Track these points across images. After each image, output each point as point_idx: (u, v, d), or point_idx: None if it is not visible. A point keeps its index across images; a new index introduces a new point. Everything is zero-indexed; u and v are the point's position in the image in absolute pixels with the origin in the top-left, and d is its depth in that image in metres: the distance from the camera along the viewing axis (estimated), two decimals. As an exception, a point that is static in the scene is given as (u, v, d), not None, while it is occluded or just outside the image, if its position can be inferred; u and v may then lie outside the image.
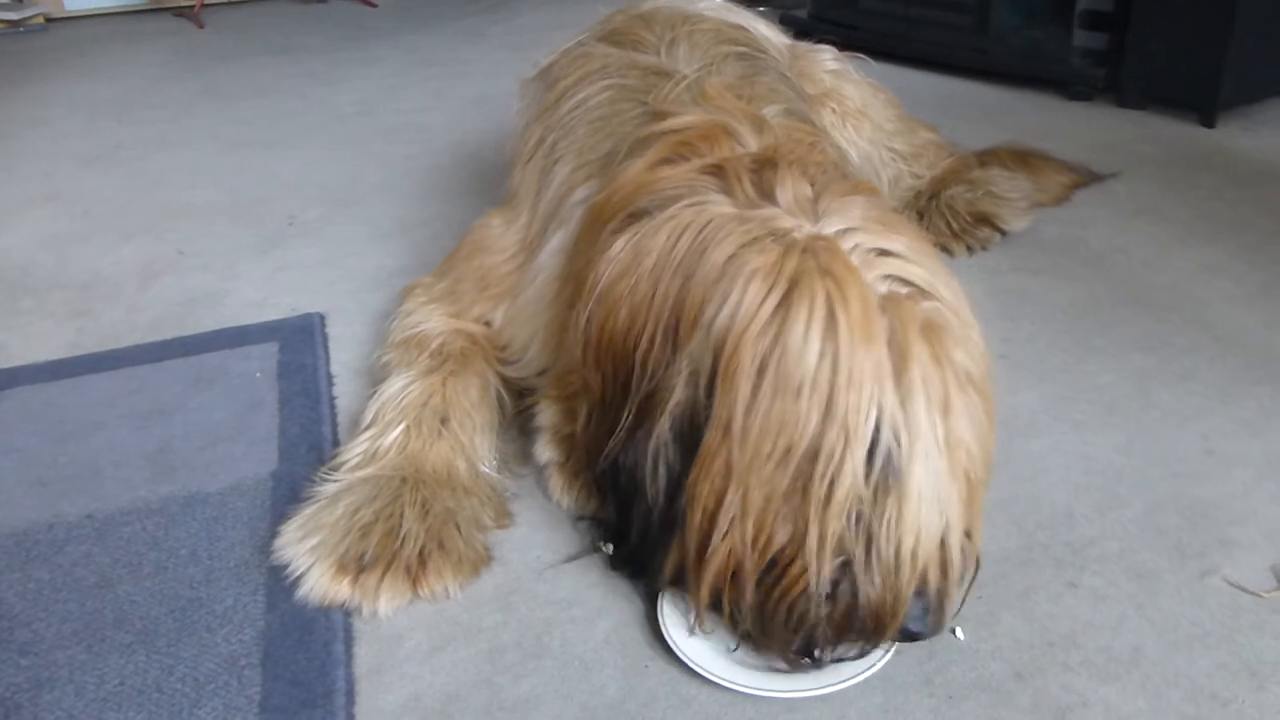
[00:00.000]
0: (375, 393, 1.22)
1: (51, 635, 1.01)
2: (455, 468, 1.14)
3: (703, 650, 0.93)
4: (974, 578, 0.92)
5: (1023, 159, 2.02)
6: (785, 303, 0.83)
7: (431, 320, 1.31)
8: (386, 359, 1.30)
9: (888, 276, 0.87)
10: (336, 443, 1.28)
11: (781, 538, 0.84)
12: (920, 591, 0.84)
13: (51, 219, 2.11)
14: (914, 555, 0.82)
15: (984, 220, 1.78)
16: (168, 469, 1.26)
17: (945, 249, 1.77)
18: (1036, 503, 1.15)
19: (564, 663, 0.95)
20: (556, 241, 1.20)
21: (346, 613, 1.01)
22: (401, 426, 1.15)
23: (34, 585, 1.07)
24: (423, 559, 1.02)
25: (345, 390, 1.41)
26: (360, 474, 1.11)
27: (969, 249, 1.76)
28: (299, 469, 1.23)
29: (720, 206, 0.92)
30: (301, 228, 2.01)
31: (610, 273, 0.94)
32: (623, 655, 0.96)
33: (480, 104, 2.79)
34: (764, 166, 0.95)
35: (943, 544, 0.84)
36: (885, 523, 0.82)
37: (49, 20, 4.14)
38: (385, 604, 1.00)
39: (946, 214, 1.78)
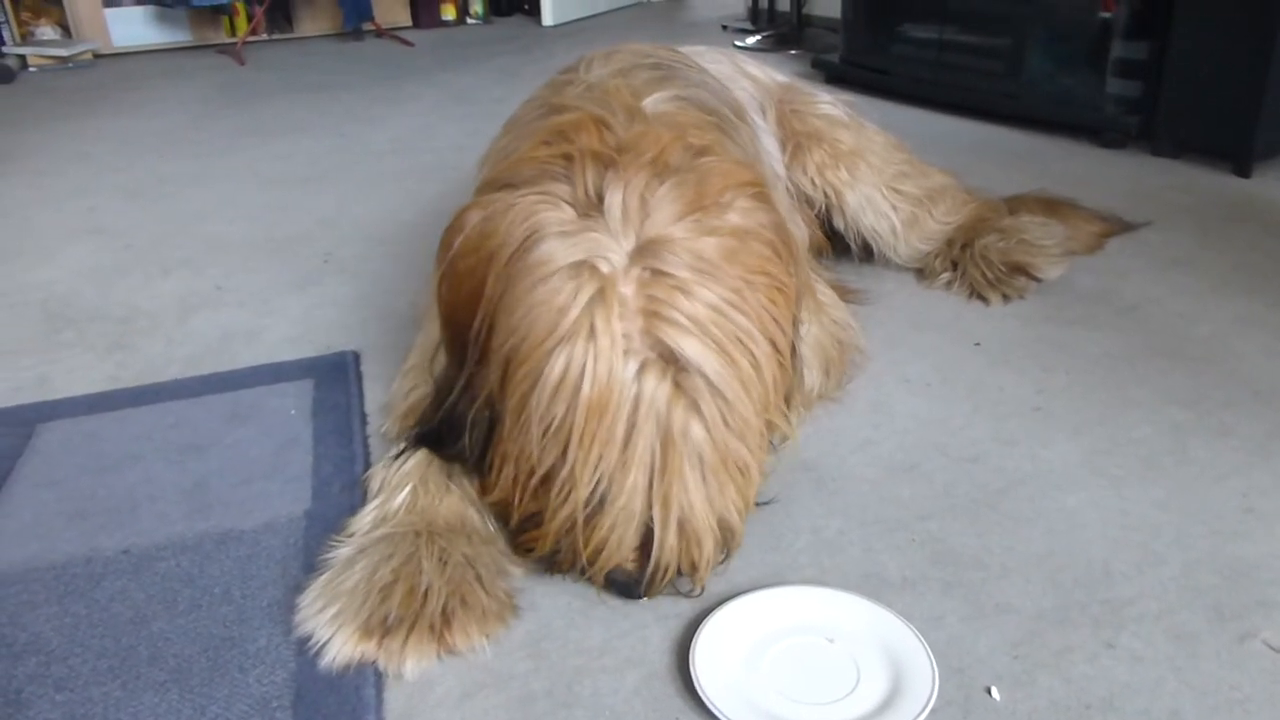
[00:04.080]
0: (381, 462, 1.21)
1: (87, 671, 1.02)
2: (469, 517, 1.13)
3: (735, 704, 0.92)
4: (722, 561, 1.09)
5: (1051, 208, 2.01)
6: (553, 352, 0.95)
7: (424, 386, 1.29)
8: (385, 430, 1.29)
9: (656, 342, 0.96)
10: (370, 482, 1.29)
11: (532, 508, 1.05)
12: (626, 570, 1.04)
13: (93, 252, 2.15)
14: (601, 566, 1.03)
15: (1019, 269, 1.78)
16: (203, 505, 1.27)
17: (981, 297, 1.77)
18: (1073, 559, 1.14)
19: (594, 712, 0.95)
20: None
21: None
22: (408, 488, 1.13)
23: (71, 620, 1.09)
24: (446, 616, 1.00)
25: (379, 429, 1.42)
26: (374, 535, 1.10)
27: (1005, 298, 1.76)
28: (332, 508, 1.24)
29: (558, 204, 1.00)
30: (337, 265, 2.04)
31: (460, 247, 1.04)
32: (653, 707, 0.95)
33: (514, 143, 2.82)
34: (606, 163, 1.02)
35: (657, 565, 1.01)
36: (587, 536, 1.01)
37: (97, 56, 4.25)
38: (411, 666, 0.98)
39: (981, 264, 1.78)
